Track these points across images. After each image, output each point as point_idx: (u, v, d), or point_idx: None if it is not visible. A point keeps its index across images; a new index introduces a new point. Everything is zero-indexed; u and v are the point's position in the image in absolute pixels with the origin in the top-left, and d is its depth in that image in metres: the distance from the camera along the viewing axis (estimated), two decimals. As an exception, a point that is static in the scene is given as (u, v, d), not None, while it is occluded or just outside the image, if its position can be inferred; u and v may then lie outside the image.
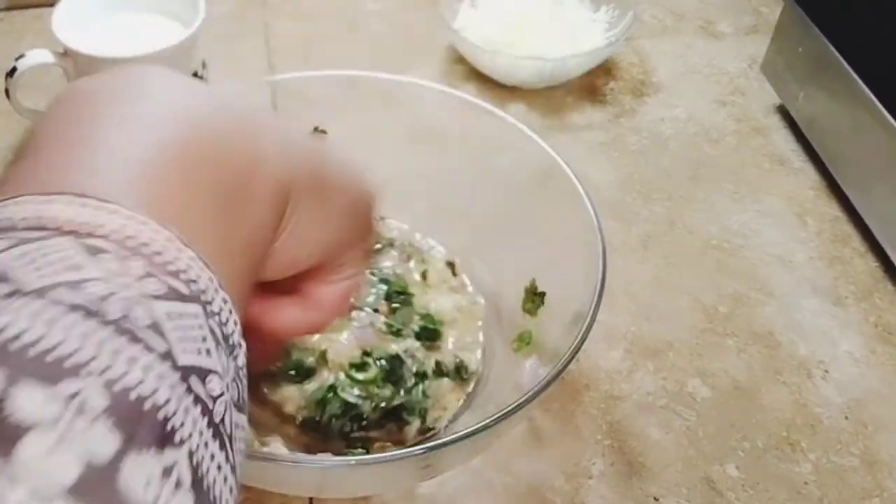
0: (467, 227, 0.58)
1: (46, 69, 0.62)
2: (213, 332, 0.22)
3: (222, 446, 0.21)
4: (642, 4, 0.84)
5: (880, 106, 0.59)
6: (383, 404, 0.48)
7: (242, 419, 0.23)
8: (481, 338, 0.54)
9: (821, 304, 0.61)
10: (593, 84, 0.78)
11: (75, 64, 0.61)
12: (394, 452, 0.44)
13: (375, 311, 0.52)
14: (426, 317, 0.53)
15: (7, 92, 0.61)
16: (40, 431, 0.17)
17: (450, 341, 0.53)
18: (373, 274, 0.54)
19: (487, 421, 0.40)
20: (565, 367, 0.42)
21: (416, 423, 0.48)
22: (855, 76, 0.62)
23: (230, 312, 0.23)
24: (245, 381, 0.24)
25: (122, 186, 0.22)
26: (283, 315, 0.34)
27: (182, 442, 0.19)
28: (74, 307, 0.19)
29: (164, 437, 0.19)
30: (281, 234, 0.28)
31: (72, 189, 0.22)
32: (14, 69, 0.60)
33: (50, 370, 0.18)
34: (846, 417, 0.54)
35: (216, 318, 0.22)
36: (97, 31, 0.64)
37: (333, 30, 0.83)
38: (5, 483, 0.16)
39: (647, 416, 0.54)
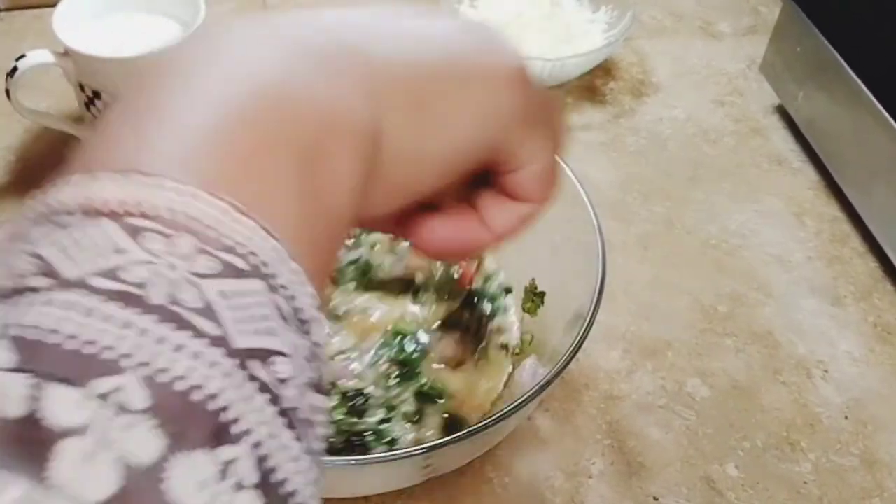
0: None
1: (47, 69, 0.62)
2: (279, 308, 0.20)
3: (298, 436, 0.19)
4: (641, 5, 0.84)
5: (879, 106, 0.59)
6: (345, 428, 0.48)
7: (321, 400, 0.21)
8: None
9: (820, 304, 0.61)
10: (592, 84, 0.78)
11: (76, 64, 0.61)
12: (394, 452, 0.44)
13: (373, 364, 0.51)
14: (429, 387, 0.51)
15: (7, 92, 0.61)
16: (74, 438, 0.16)
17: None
18: (396, 335, 0.52)
19: (487, 421, 0.40)
20: (565, 366, 0.42)
21: (381, 449, 0.48)
22: (854, 76, 0.62)
23: (302, 284, 0.21)
24: (323, 359, 0.22)
25: (173, 157, 0.20)
26: (436, 231, 0.30)
27: (242, 436, 0.17)
28: (113, 295, 0.18)
29: (219, 433, 0.17)
30: (381, 166, 0.25)
31: (120, 164, 0.20)
32: (15, 69, 0.60)
33: (84, 367, 0.17)
34: (846, 417, 0.54)
35: (283, 291, 0.20)
36: (98, 31, 0.64)
37: (333, 30, 0.83)
38: (38, 499, 0.15)
39: (647, 415, 0.54)
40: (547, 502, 0.49)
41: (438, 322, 0.53)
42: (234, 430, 0.17)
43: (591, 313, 0.44)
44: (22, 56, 0.61)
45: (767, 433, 0.53)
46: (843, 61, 0.63)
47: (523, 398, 0.41)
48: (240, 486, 0.17)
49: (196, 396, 0.17)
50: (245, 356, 0.18)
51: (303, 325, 0.21)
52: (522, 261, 0.55)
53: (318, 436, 0.20)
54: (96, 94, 0.61)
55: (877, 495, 0.50)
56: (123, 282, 0.18)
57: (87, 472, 0.15)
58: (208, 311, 0.18)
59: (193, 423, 0.17)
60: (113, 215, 0.19)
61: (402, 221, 0.30)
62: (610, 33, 0.78)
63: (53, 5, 0.62)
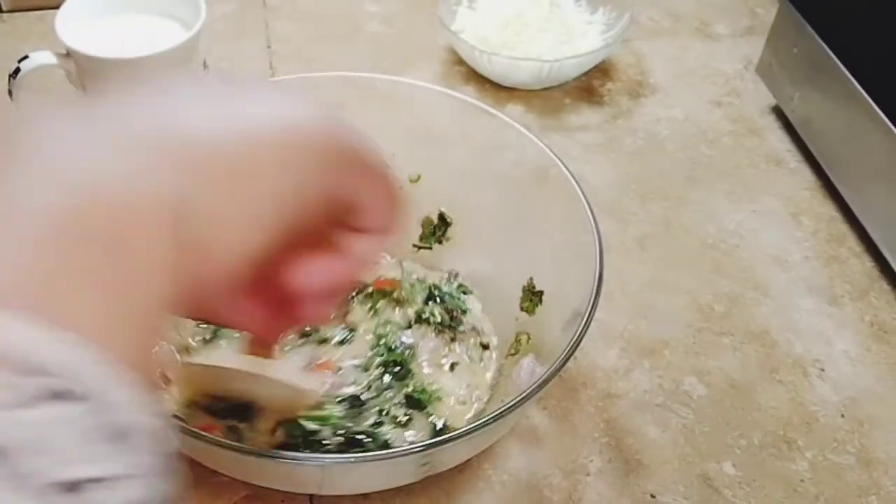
0: (466, 227, 0.59)
1: (49, 70, 0.62)
2: (97, 429, 0.18)
3: None
4: (639, 6, 0.85)
5: (875, 106, 0.60)
6: (342, 431, 0.48)
7: None
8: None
9: (817, 304, 0.61)
10: (590, 85, 0.78)
11: (78, 65, 0.61)
12: (394, 450, 0.44)
13: (366, 369, 0.52)
14: (419, 391, 0.51)
15: (10, 93, 0.62)
16: None
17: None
18: (379, 338, 0.53)
19: (486, 419, 0.41)
20: (563, 365, 0.42)
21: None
22: (850, 77, 0.62)
23: (127, 397, 0.19)
24: (174, 472, 0.20)
25: None
26: (308, 267, 0.32)
27: None
28: None
29: None
30: (202, 233, 0.25)
31: None
32: (17, 70, 0.61)
33: None
34: (842, 416, 0.55)
35: (103, 411, 0.19)
36: (100, 32, 0.64)
37: (333, 31, 0.83)
38: None
39: (644, 414, 0.54)
40: (545, 500, 0.50)
41: (413, 321, 0.55)
42: None
43: (588, 312, 0.45)
44: (24, 57, 0.61)
45: (764, 431, 0.54)
46: (838, 62, 0.64)
47: (521, 396, 0.41)
48: None
49: None
50: (54, 490, 0.17)
51: (129, 442, 0.19)
52: (521, 260, 0.55)
53: None
54: (98, 95, 0.62)
55: (873, 493, 0.51)
56: None
57: None
58: (3, 452, 0.17)
59: None
60: None
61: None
62: (608, 34, 0.78)
63: (56, 7, 0.62)
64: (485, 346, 0.54)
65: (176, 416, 0.46)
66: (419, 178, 0.58)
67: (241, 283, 0.29)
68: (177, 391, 0.47)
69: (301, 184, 0.28)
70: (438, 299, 0.56)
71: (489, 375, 0.53)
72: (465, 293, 0.57)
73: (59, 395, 0.18)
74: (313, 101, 0.29)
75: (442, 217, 0.58)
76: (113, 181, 0.22)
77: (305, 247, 0.32)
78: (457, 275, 0.58)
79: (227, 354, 0.49)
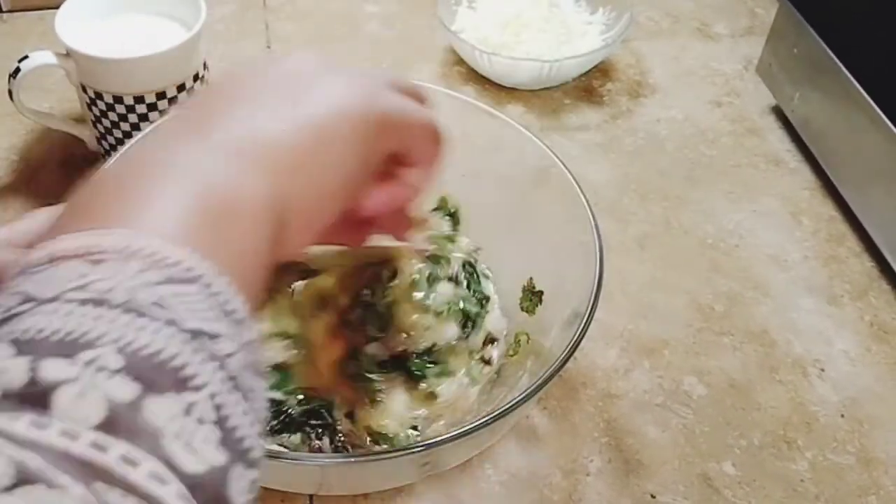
0: (466, 227, 0.59)
1: (49, 70, 0.62)
2: (216, 306, 0.25)
3: (244, 397, 0.24)
4: (639, 6, 0.85)
5: (875, 106, 0.60)
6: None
7: (260, 382, 0.26)
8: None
9: (816, 304, 0.61)
10: (590, 85, 0.78)
11: (78, 65, 0.61)
12: (394, 450, 0.44)
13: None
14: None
15: (10, 93, 0.62)
16: (67, 385, 0.21)
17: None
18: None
19: (486, 419, 0.41)
20: (563, 365, 0.42)
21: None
22: (850, 77, 0.62)
23: (233, 293, 0.26)
24: (259, 355, 0.27)
25: (126, 221, 0.26)
26: (375, 196, 0.39)
27: (199, 388, 0.23)
28: (84, 301, 0.23)
29: (181, 383, 0.22)
30: (295, 213, 0.32)
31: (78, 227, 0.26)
32: (17, 70, 0.61)
33: (69, 347, 0.21)
34: (842, 416, 0.55)
35: (218, 296, 0.25)
36: (100, 32, 0.64)
37: (333, 31, 0.83)
38: (45, 423, 0.20)
39: (644, 413, 0.54)
40: (545, 500, 0.50)
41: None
42: (193, 383, 0.23)
43: (588, 312, 0.45)
44: (24, 57, 0.61)
45: (764, 431, 0.54)
46: (838, 62, 0.64)
47: (521, 396, 0.41)
48: (201, 421, 0.22)
49: (160, 358, 0.22)
50: (195, 334, 0.23)
51: (237, 322, 0.26)
52: (521, 260, 0.55)
53: (258, 407, 0.25)
54: (98, 95, 0.62)
55: (873, 493, 0.51)
56: (91, 291, 0.23)
57: (82, 405, 0.21)
58: (160, 304, 0.23)
59: (160, 376, 0.22)
60: (75, 257, 0.24)
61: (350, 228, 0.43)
62: (607, 34, 0.78)
63: (56, 7, 0.62)
64: (485, 361, 0.53)
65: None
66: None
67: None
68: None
69: (360, 155, 0.35)
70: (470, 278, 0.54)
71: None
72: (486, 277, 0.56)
73: (190, 280, 0.25)
74: (363, 81, 0.36)
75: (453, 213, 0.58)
76: (230, 187, 0.29)
77: (373, 180, 0.39)
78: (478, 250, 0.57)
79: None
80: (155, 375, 0.22)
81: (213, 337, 0.24)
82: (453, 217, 0.58)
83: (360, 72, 0.37)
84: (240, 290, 0.26)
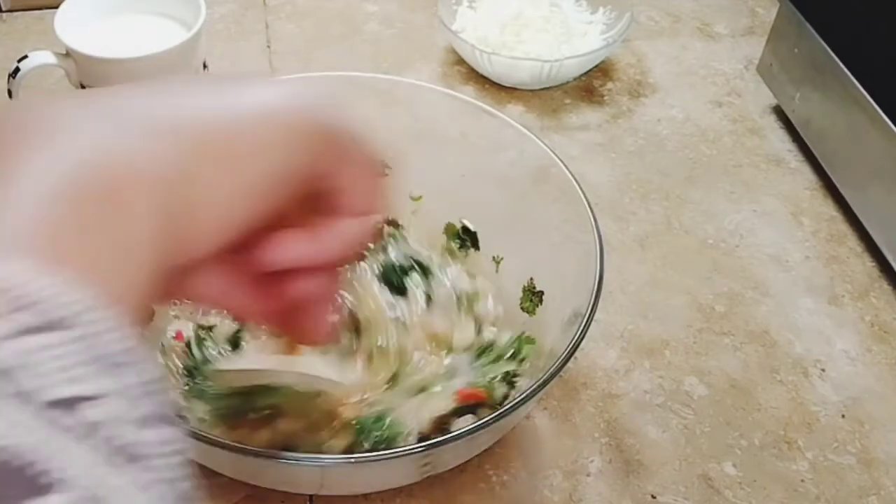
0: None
1: (49, 70, 0.62)
2: (87, 355, 0.20)
3: (127, 471, 0.19)
4: (639, 6, 0.85)
5: (876, 106, 0.60)
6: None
7: (164, 433, 0.21)
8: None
9: (817, 304, 0.61)
10: (590, 85, 0.78)
11: (77, 65, 0.61)
12: (394, 450, 0.44)
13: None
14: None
15: (10, 92, 0.62)
16: None
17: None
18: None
19: (486, 419, 0.41)
20: (563, 365, 0.42)
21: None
22: (851, 77, 0.62)
23: (113, 329, 0.21)
24: (158, 393, 0.22)
25: None
26: (282, 244, 0.32)
27: (60, 485, 0.18)
28: None
29: (36, 487, 0.18)
30: (194, 203, 0.27)
31: None
32: (17, 70, 0.61)
33: None
34: (843, 416, 0.55)
35: (92, 339, 0.21)
36: (99, 32, 0.64)
37: (334, 31, 0.83)
38: None
39: (645, 414, 0.54)
40: (545, 500, 0.50)
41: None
42: (49, 480, 0.18)
43: (589, 312, 0.44)
44: (24, 57, 0.61)
45: (765, 432, 0.53)
46: (839, 62, 0.64)
47: (521, 396, 0.41)
48: None
49: (3, 459, 0.17)
50: (51, 407, 0.19)
51: (123, 365, 0.21)
52: (521, 260, 0.55)
53: (164, 466, 0.21)
54: (97, 95, 0.62)
55: (874, 493, 0.51)
56: None
57: None
58: (7, 372, 0.19)
59: (7, 484, 0.17)
60: None
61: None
62: (608, 34, 0.78)
63: (55, 6, 0.62)
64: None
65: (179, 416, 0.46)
66: (420, 198, 0.58)
67: (224, 256, 0.31)
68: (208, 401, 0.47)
69: (285, 161, 0.30)
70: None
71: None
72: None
73: (52, 325, 0.20)
74: (305, 90, 0.31)
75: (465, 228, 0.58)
76: (114, 155, 0.25)
77: (285, 227, 0.32)
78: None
79: (255, 357, 0.49)
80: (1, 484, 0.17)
81: (77, 403, 0.19)
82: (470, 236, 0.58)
83: (308, 84, 0.32)
84: (122, 302, 0.22)
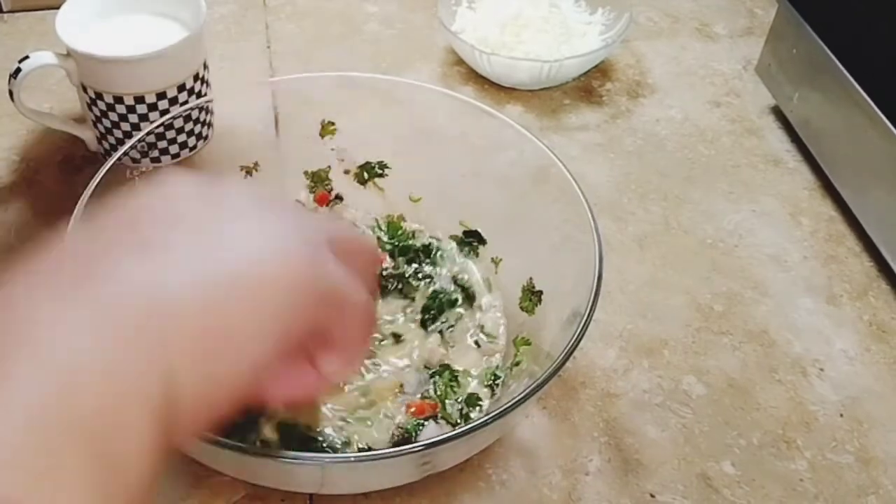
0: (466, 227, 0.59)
1: (50, 71, 0.62)
2: None
3: None
4: (638, 7, 0.85)
5: (874, 106, 0.60)
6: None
7: None
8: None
9: (815, 303, 0.61)
10: (589, 85, 0.78)
11: (78, 65, 0.61)
12: (394, 449, 0.44)
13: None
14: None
15: (11, 93, 0.62)
16: None
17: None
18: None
19: (485, 418, 0.41)
20: (562, 364, 0.42)
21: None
22: (849, 77, 0.62)
23: None
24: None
25: None
26: (280, 383, 0.34)
27: None
28: None
29: None
30: (182, 401, 0.26)
31: None
32: (18, 70, 0.61)
33: None
34: (841, 415, 0.55)
35: None
36: (100, 32, 0.64)
37: (333, 31, 0.83)
38: None
39: (643, 413, 0.54)
40: (544, 499, 0.50)
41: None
42: None
43: (588, 312, 0.45)
44: (25, 57, 0.61)
45: (763, 431, 0.54)
46: (838, 62, 0.64)
47: (520, 396, 0.41)
48: None
49: None
50: None
51: None
52: (520, 260, 0.55)
53: None
54: (98, 96, 0.62)
55: (872, 493, 0.51)
56: None
57: None
58: None
59: None
60: None
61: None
62: (607, 35, 0.78)
63: (56, 7, 0.62)
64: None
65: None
66: (420, 199, 0.58)
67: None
68: None
69: (276, 331, 0.30)
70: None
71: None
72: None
73: None
74: (293, 237, 0.31)
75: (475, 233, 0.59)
76: (95, 370, 0.24)
77: (283, 358, 0.33)
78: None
79: None
80: None
81: None
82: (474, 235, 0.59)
83: (296, 225, 0.32)
84: None
